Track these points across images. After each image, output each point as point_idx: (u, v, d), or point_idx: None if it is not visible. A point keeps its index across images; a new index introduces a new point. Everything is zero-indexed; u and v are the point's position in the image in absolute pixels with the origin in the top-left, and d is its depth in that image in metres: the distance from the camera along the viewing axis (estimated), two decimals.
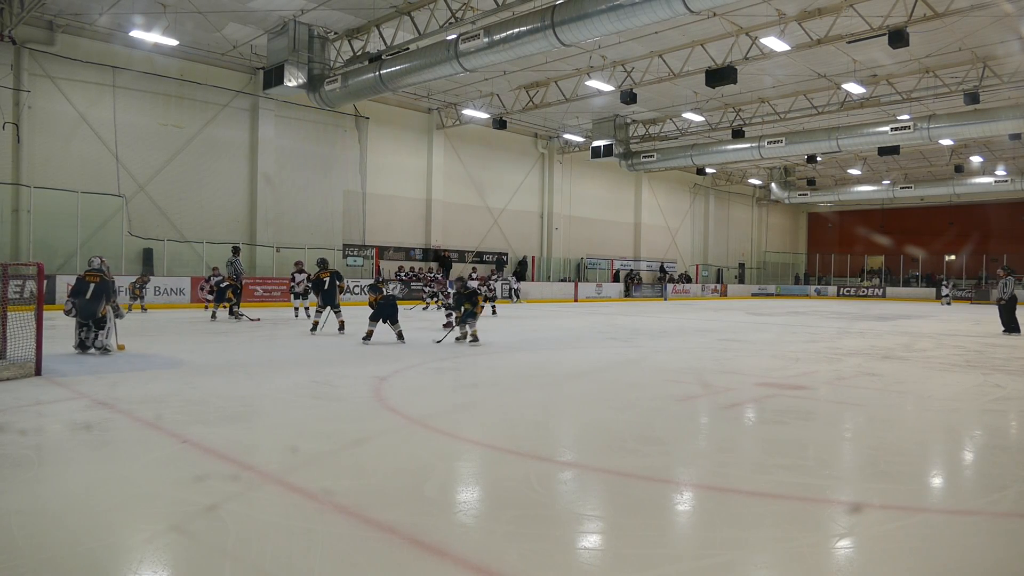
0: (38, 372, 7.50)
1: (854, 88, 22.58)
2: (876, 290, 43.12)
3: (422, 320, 16.71)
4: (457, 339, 11.89)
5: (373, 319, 11.59)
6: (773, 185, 42.69)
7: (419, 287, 24.08)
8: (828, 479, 4.65)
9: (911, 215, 45.55)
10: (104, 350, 9.39)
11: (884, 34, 16.24)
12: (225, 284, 16.36)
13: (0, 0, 17.19)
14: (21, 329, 8.10)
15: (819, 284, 46.96)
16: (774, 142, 27.42)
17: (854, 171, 38.43)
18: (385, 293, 11.81)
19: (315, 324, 13.14)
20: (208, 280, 17.71)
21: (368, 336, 11.59)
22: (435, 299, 21.85)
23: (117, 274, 15.74)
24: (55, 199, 18.64)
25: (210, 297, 16.04)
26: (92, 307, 9.29)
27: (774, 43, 18.15)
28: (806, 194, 42.71)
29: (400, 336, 11.65)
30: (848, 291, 43.98)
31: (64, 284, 17.52)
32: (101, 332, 9.37)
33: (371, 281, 14.28)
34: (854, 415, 6.87)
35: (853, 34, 17.26)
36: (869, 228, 45.83)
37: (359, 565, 3.11)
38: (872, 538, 3.59)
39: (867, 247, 46.75)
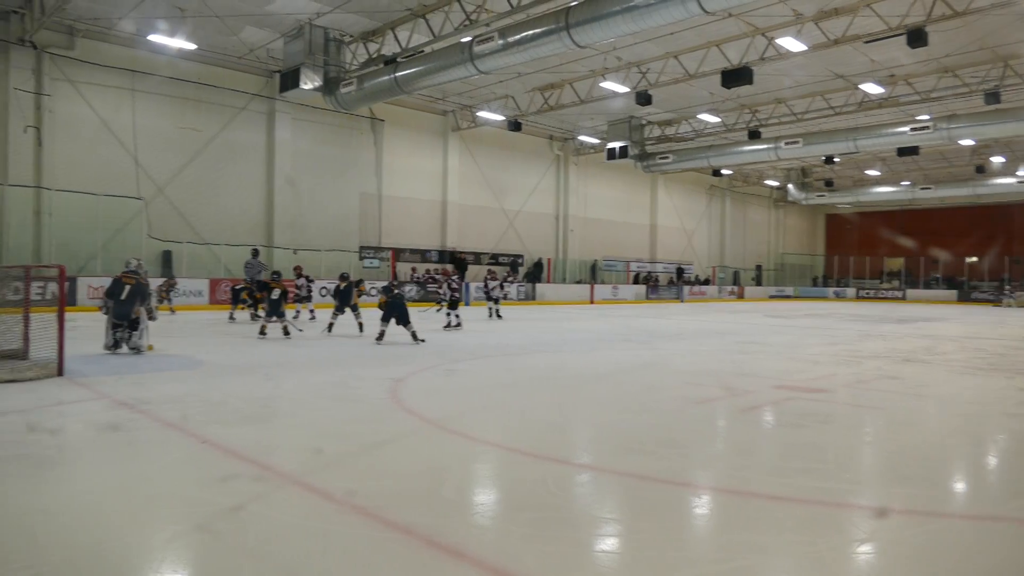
0: (60, 372, 7.59)
1: (872, 88, 22.35)
2: (896, 292, 42.65)
3: (438, 322, 16.71)
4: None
5: (383, 320, 11.82)
6: (790, 186, 42.37)
7: (434, 289, 24.09)
8: (848, 483, 4.60)
9: (932, 216, 45.02)
10: (136, 350, 9.56)
11: (902, 33, 16.07)
12: (240, 286, 16.48)
13: (21, 6, 17.48)
14: (43, 330, 8.21)
15: (838, 286, 46.48)
16: (791, 143, 27.22)
17: (873, 172, 38.06)
18: (392, 294, 11.93)
19: (330, 325, 13.24)
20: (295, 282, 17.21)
21: (380, 336, 11.75)
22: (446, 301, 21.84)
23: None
24: (76, 202, 18.86)
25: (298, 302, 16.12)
26: (127, 308, 9.45)
27: (791, 43, 18.01)
28: (824, 195, 42.31)
29: (415, 337, 11.71)
30: (867, 293, 43.52)
31: (85, 286, 17.75)
32: (135, 333, 9.53)
33: (385, 283, 14.43)
34: (874, 419, 6.79)
35: (871, 34, 17.10)
36: (888, 229, 45.36)
37: (377, 566, 3.12)
38: (894, 543, 3.55)
39: (887, 249, 46.26)
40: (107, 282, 9.93)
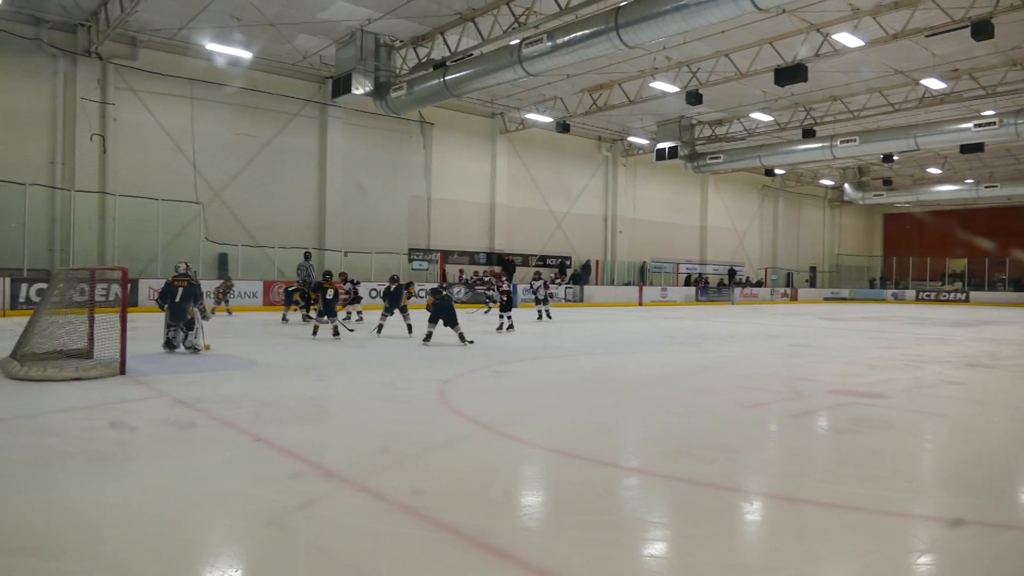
0: (122, 371, 7.86)
1: (934, 83, 21.61)
2: (959, 295, 41.08)
3: (486, 323, 16.81)
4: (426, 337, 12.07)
5: (431, 321, 11.96)
6: (846, 186, 41.21)
7: (482, 291, 24.19)
8: (907, 491, 4.46)
9: (998, 215, 43.17)
10: (194, 349, 9.99)
11: (966, 26, 15.49)
12: (293, 288, 16.83)
13: (88, 19, 18.24)
14: (107, 331, 8.53)
15: (896, 288, 45.01)
16: (847, 141, 26.48)
17: (934, 170, 36.75)
18: (440, 295, 12.07)
19: (379, 326, 13.43)
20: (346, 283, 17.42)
21: (427, 337, 11.87)
22: (496, 303, 21.88)
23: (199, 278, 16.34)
24: (138, 206, 19.55)
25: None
26: (181, 309, 9.91)
27: (847, 39, 17.54)
28: (882, 195, 41.02)
29: (462, 338, 11.80)
30: (928, 296, 42.02)
31: (147, 288, 18.38)
32: (191, 333, 9.99)
33: (435, 286, 14.58)
34: (935, 425, 6.56)
35: (932, 27, 16.51)
36: (951, 230, 43.71)
37: (425, 565, 3.15)
38: (955, 555, 3.42)
39: (949, 249, 44.60)
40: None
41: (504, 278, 19.53)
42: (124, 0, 16.16)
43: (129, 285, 10.01)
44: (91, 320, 8.75)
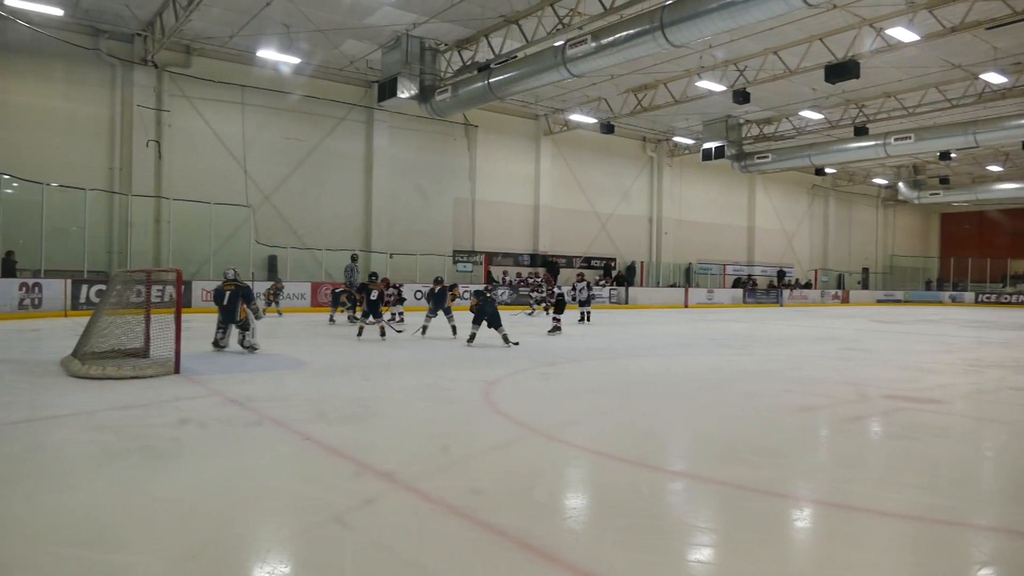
0: (177, 370, 8.09)
1: (994, 78, 20.84)
2: (1021, 297, 39.51)
3: (529, 325, 16.81)
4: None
5: (474, 322, 12.02)
6: (901, 184, 40.02)
7: (526, 292, 24.20)
8: (966, 501, 4.30)
9: None
10: (251, 348, 10.32)
11: None
12: (340, 290, 17.11)
13: (144, 29, 18.86)
14: (162, 330, 8.80)
15: (954, 290, 43.49)
16: (902, 139, 25.72)
17: (995, 167, 35.45)
18: (484, 297, 12.12)
19: (424, 328, 13.53)
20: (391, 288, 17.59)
21: (471, 339, 11.92)
22: (540, 304, 21.86)
23: (249, 280, 16.67)
24: (191, 210, 20.14)
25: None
26: (231, 310, 10.25)
27: (901, 34, 17.05)
28: (938, 193, 39.71)
29: (506, 340, 11.82)
30: (988, 298, 40.50)
31: (200, 289, 18.88)
32: (247, 333, 10.35)
33: (479, 287, 14.64)
34: (996, 432, 6.32)
35: (993, 19, 15.93)
36: (1014, 229, 42.06)
37: (470, 565, 3.16)
38: (1019, 569, 3.29)
39: (1011, 250, 42.93)
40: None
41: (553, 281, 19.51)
42: (178, 9, 16.65)
43: (183, 286, 10.30)
44: (147, 320, 9.03)
